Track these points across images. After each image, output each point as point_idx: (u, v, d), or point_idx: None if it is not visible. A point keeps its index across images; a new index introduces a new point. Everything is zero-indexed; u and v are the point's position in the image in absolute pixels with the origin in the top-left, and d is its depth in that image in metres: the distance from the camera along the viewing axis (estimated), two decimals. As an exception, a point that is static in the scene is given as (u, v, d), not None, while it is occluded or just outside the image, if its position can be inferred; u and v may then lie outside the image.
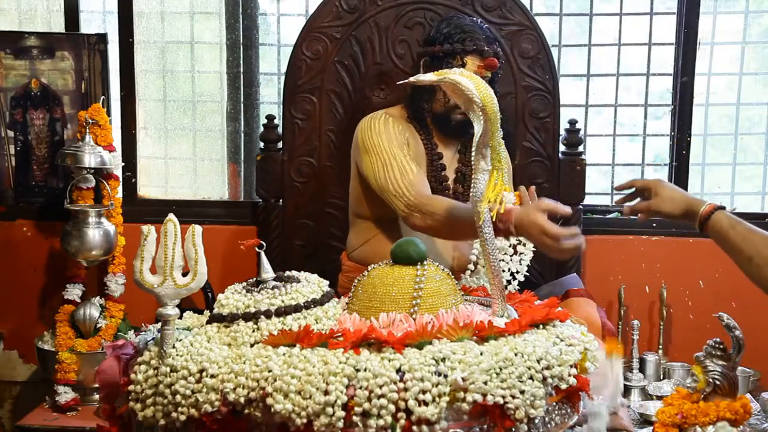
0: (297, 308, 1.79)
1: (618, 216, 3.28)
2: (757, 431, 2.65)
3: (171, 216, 1.74)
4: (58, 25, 3.39)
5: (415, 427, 1.59)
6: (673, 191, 2.15)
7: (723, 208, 2.06)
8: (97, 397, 2.95)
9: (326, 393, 1.60)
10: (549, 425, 1.75)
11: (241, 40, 3.42)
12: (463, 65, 2.55)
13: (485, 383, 1.61)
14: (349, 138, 3.06)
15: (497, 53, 2.63)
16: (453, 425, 1.62)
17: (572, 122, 3.05)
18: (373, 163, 2.55)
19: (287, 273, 1.95)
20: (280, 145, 3.12)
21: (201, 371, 1.67)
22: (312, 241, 3.13)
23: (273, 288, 1.83)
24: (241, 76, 3.43)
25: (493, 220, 2.01)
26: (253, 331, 1.76)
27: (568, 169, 3.03)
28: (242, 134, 3.47)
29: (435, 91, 2.59)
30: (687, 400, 2.04)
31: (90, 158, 2.98)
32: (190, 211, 3.31)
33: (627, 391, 2.94)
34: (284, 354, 1.68)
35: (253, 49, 3.42)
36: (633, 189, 2.25)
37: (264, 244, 1.89)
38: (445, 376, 1.61)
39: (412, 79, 2.02)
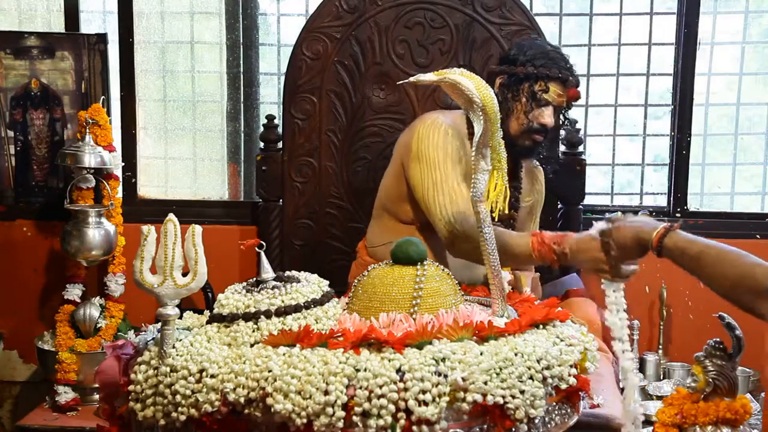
0: (297, 308, 1.79)
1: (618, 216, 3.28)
2: None
3: (171, 216, 1.74)
4: (58, 25, 3.39)
5: (415, 427, 1.59)
6: (621, 238, 1.94)
7: (670, 229, 1.91)
8: (97, 397, 2.95)
9: (326, 393, 1.60)
10: (549, 425, 1.75)
11: (241, 40, 3.41)
12: (546, 91, 2.45)
13: (485, 383, 1.61)
14: (349, 138, 3.06)
15: (578, 84, 2.53)
16: (453, 425, 1.62)
17: (572, 122, 3.05)
18: (423, 177, 2.44)
19: (287, 273, 1.95)
20: (280, 145, 3.12)
21: (201, 371, 1.67)
22: (312, 241, 3.13)
23: (273, 288, 1.83)
24: (241, 76, 3.43)
25: (494, 218, 2.01)
26: (253, 331, 1.76)
27: (568, 169, 3.03)
28: (242, 134, 3.47)
29: (513, 111, 2.49)
30: (687, 400, 2.04)
31: (90, 158, 2.98)
32: (190, 211, 3.31)
33: (627, 391, 2.94)
34: (284, 354, 1.68)
35: (253, 49, 3.42)
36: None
37: (264, 244, 1.89)
38: (445, 376, 1.61)
39: (412, 79, 2.02)
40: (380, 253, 2.63)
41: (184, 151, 3.49)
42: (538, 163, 2.74)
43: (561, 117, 2.57)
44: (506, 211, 1.99)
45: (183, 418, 1.67)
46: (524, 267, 2.57)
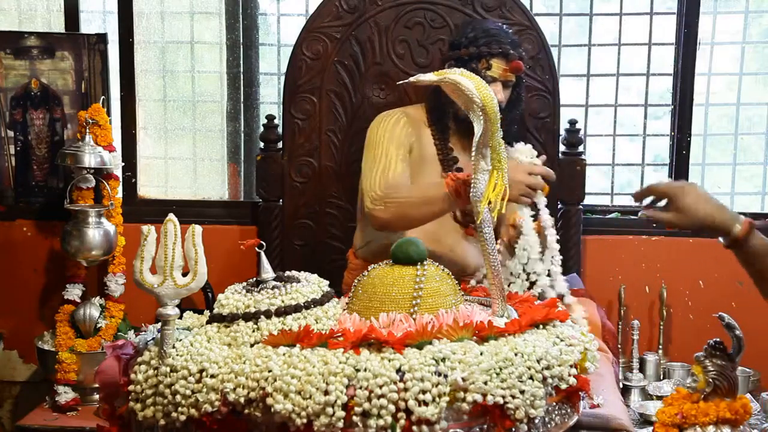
0: (297, 308, 1.80)
1: (618, 216, 3.28)
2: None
3: (171, 216, 1.74)
4: (58, 25, 3.39)
5: (415, 427, 1.59)
6: (693, 204, 1.92)
7: (754, 226, 1.91)
8: (97, 397, 2.95)
9: (326, 393, 1.60)
10: (549, 425, 1.75)
11: (241, 40, 3.41)
12: (489, 68, 2.55)
13: (485, 383, 1.61)
14: (349, 138, 3.07)
15: (522, 57, 2.62)
16: (453, 425, 1.62)
17: (572, 122, 3.06)
18: (366, 159, 2.56)
19: (287, 273, 1.95)
20: (280, 145, 3.12)
21: (201, 371, 1.68)
22: (312, 241, 3.13)
23: (273, 288, 1.83)
24: (241, 76, 3.43)
25: (494, 218, 2.01)
26: (253, 331, 1.76)
27: (568, 169, 3.03)
28: (242, 134, 3.47)
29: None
30: (687, 400, 2.04)
31: (90, 158, 2.98)
32: (190, 211, 3.31)
33: (627, 391, 2.94)
34: (284, 354, 1.68)
35: (253, 49, 3.42)
36: (651, 198, 2.02)
37: (264, 244, 1.89)
38: (445, 376, 1.61)
39: (412, 78, 2.02)
40: (365, 253, 2.72)
41: (184, 151, 3.49)
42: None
43: (517, 92, 2.64)
44: (503, 211, 1.98)
45: (183, 418, 1.67)
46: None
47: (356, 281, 1.98)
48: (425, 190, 2.37)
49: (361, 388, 1.60)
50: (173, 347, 1.72)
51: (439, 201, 2.29)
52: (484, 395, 1.61)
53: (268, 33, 3.45)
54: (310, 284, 1.88)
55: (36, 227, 3.34)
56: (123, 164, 3.25)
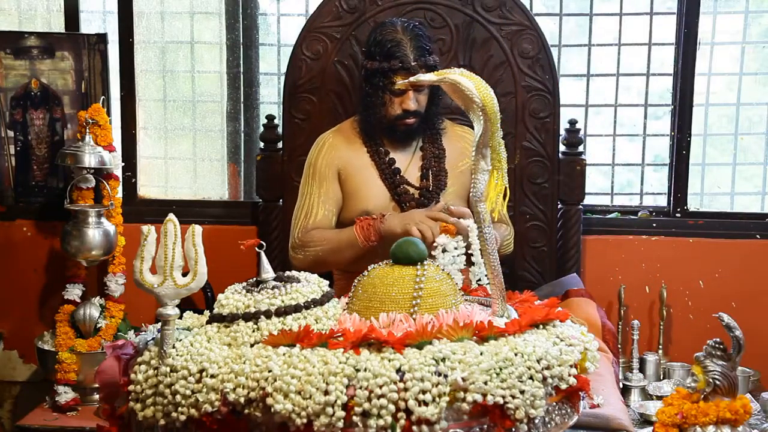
0: (297, 308, 1.79)
1: (618, 216, 3.29)
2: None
3: (171, 216, 1.74)
4: (58, 25, 3.39)
5: (415, 427, 1.59)
6: None
7: None
8: (97, 397, 2.95)
9: (326, 393, 1.60)
10: (549, 425, 1.75)
11: (241, 40, 3.42)
12: (393, 84, 2.53)
13: (485, 383, 1.61)
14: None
15: (428, 64, 2.54)
16: (453, 425, 1.62)
17: (572, 122, 3.06)
18: (300, 189, 2.70)
19: (287, 273, 1.95)
20: (280, 145, 3.12)
21: (201, 371, 1.68)
22: (312, 241, 3.12)
23: (273, 288, 1.83)
24: (241, 76, 3.43)
25: (494, 218, 2.01)
26: (253, 331, 1.76)
27: (568, 169, 3.03)
28: (242, 134, 3.47)
29: (377, 102, 2.58)
30: (687, 400, 2.05)
31: (90, 158, 2.98)
32: (190, 211, 3.31)
33: (627, 391, 2.94)
34: (284, 354, 1.68)
35: (253, 49, 3.42)
36: None
37: (264, 244, 1.89)
38: (445, 376, 1.61)
39: (411, 79, 2.03)
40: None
41: (184, 151, 3.49)
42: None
43: (432, 88, 2.62)
44: (503, 211, 1.99)
45: (183, 418, 1.67)
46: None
47: (356, 281, 1.98)
48: (339, 238, 2.54)
49: (361, 388, 1.60)
50: (173, 347, 1.72)
51: (351, 246, 2.50)
52: (484, 395, 1.61)
53: (268, 33, 3.45)
54: (310, 284, 1.88)
55: (36, 227, 3.34)
56: (123, 164, 3.25)
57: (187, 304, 2.12)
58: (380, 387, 1.59)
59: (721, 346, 2.02)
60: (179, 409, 1.67)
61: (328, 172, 2.64)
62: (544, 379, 1.70)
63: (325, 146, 2.68)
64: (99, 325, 3.03)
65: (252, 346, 1.74)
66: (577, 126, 3.07)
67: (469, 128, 2.74)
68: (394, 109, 2.57)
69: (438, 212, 2.40)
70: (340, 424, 1.59)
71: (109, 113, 3.19)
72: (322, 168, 2.65)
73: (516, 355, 1.68)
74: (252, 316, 1.77)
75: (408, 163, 2.67)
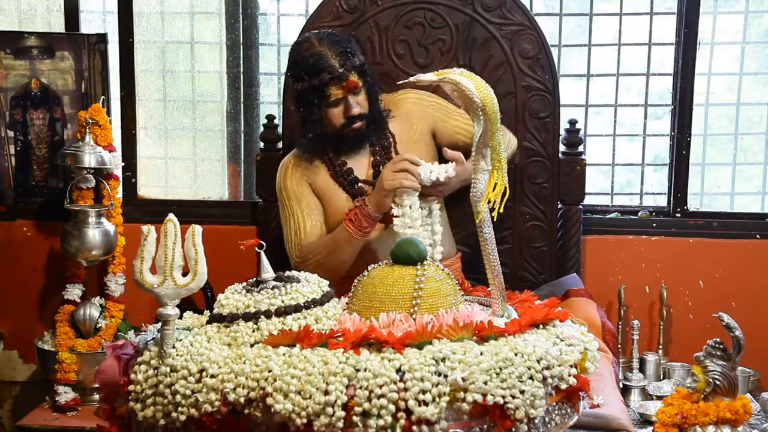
0: (297, 308, 1.80)
1: (618, 216, 3.28)
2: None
3: (171, 216, 1.74)
4: (58, 25, 3.39)
5: (415, 427, 1.59)
6: None
7: None
8: (97, 397, 2.95)
9: (326, 393, 1.60)
10: (549, 425, 1.75)
11: (241, 40, 3.42)
12: (330, 95, 2.51)
13: (485, 383, 1.61)
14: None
15: (355, 65, 2.54)
16: (453, 425, 1.62)
17: (572, 122, 3.05)
18: (282, 216, 2.69)
19: (287, 273, 1.95)
20: (280, 145, 3.12)
21: (201, 371, 1.68)
22: (312, 241, 3.12)
23: (273, 288, 1.83)
24: (241, 76, 3.43)
25: (494, 218, 2.01)
26: (253, 331, 1.76)
27: (568, 169, 3.03)
28: (242, 134, 3.47)
29: (326, 117, 2.56)
30: (687, 400, 2.05)
31: (90, 158, 2.98)
32: (190, 211, 3.31)
33: (627, 391, 2.94)
34: (284, 354, 1.68)
35: (253, 49, 3.42)
36: None
37: (264, 244, 1.89)
38: (445, 376, 1.61)
39: (412, 78, 2.02)
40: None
41: (184, 151, 3.49)
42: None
43: (368, 85, 2.59)
44: (502, 210, 1.99)
45: (183, 418, 1.67)
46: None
47: (356, 281, 1.98)
48: (334, 239, 2.53)
49: (361, 388, 1.60)
50: (173, 347, 1.73)
51: (348, 242, 2.48)
52: (484, 395, 1.61)
53: (268, 33, 3.45)
54: (310, 284, 1.89)
55: (36, 227, 3.34)
56: (123, 164, 3.25)
57: (187, 304, 2.12)
58: (380, 387, 1.60)
59: (721, 346, 2.02)
60: (179, 409, 1.67)
61: (302, 188, 2.65)
62: (544, 379, 1.70)
63: (290, 167, 2.68)
64: (99, 325, 3.03)
65: (252, 346, 1.74)
66: (577, 126, 3.07)
67: (430, 93, 2.76)
68: (337, 120, 2.56)
69: (397, 162, 2.44)
70: (340, 424, 1.59)
71: (109, 113, 3.19)
72: (294, 187, 2.65)
73: (516, 355, 1.68)
74: (252, 316, 1.77)
75: (366, 166, 2.67)
